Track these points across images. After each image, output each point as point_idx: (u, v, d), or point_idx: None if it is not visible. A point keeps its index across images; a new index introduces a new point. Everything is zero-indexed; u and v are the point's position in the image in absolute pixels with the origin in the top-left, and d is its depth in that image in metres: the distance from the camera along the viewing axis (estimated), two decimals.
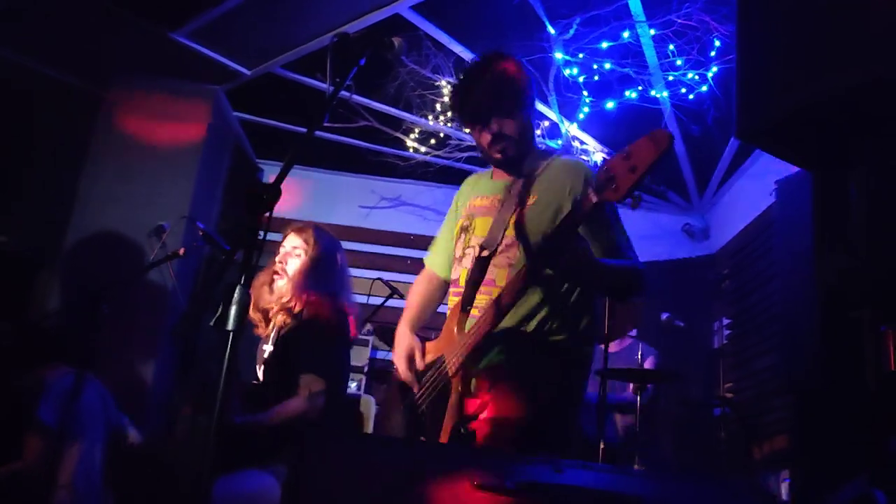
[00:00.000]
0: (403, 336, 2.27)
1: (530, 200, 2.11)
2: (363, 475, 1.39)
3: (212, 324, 1.64)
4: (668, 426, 4.35)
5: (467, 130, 2.29)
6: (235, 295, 1.61)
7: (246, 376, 2.98)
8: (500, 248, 2.09)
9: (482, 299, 2.06)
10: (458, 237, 2.26)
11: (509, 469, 1.44)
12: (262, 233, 1.69)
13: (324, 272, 2.84)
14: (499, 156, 2.16)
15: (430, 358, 2.16)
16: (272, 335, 2.80)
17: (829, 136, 2.46)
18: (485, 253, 2.09)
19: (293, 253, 2.86)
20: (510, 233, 2.09)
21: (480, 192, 2.29)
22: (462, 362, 1.99)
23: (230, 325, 1.60)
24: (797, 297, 3.15)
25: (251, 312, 2.84)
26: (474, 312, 2.06)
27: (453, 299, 2.20)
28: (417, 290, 2.44)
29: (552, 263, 1.89)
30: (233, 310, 1.61)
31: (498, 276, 2.07)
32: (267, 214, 1.67)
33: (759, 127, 2.43)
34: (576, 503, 1.43)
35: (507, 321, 1.99)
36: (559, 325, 2.06)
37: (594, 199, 1.80)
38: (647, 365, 4.11)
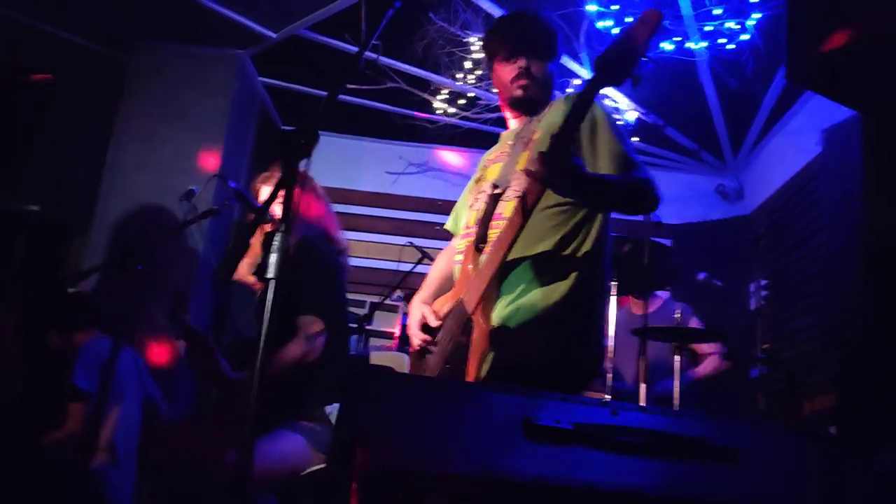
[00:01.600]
0: (415, 308, 2.25)
1: (535, 137, 2.14)
2: (416, 416, 1.35)
3: (253, 272, 1.61)
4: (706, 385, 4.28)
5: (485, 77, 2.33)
6: (276, 242, 1.58)
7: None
8: (510, 184, 2.10)
9: (493, 234, 2.04)
10: (472, 187, 2.31)
11: (566, 410, 1.40)
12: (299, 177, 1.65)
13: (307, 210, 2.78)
14: (520, 92, 2.19)
15: (446, 309, 2.13)
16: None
17: (884, 75, 2.36)
18: (497, 190, 2.11)
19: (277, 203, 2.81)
20: (519, 167, 2.09)
21: (492, 151, 2.35)
22: (482, 293, 1.95)
23: (271, 273, 1.57)
24: (843, 250, 3.06)
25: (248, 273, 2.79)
26: (487, 249, 2.03)
27: (463, 242, 2.19)
28: (438, 265, 2.43)
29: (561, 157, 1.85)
30: (273, 257, 1.58)
31: (506, 209, 2.05)
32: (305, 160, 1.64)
33: (810, 66, 2.35)
34: (634, 444, 1.38)
35: (521, 248, 1.99)
36: (574, 246, 2.07)
37: (596, 84, 1.85)
38: (695, 325, 4.04)
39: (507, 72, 2.21)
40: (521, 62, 2.18)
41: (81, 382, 3.11)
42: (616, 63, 1.80)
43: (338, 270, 2.72)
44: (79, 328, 3.34)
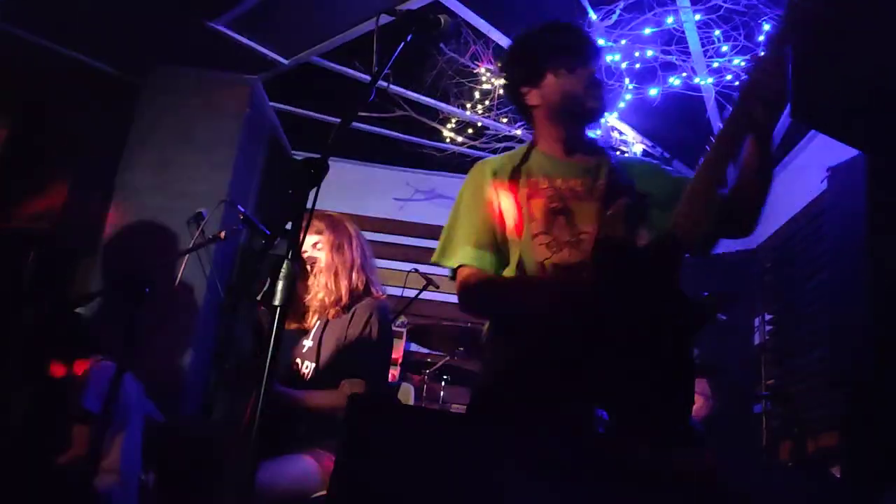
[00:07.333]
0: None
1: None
2: (415, 450, 1.35)
3: (259, 298, 1.61)
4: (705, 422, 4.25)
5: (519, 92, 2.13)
6: (283, 269, 1.58)
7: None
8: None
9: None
10: (553, 218, 2.00)
11: (556, 444, 1.40)
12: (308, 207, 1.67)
13: (348, 253, 2.84)
14: (594, 103, 2.02)
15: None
16: (313, 331, 2.79)
17: (886, 116, 2.39)
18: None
19: (315, 249, 2.87)
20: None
21: (556, 173, 2.05)
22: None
23: (278, 300, 1.57)
24: (848, 287, 3.06)
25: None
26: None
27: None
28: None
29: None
30: (280, 284, 1.58)
31: None
32: (315, 189, 1.65)
33: (814, 107, 2.37)
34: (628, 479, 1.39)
35: None
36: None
37: None
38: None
39: (572, 83, 2.00)
40: (590, 69, 2.01)
41: (92, 406, 3.11)
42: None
43: (389, 332, 2.80)
44: (80, 355, 3.34)
